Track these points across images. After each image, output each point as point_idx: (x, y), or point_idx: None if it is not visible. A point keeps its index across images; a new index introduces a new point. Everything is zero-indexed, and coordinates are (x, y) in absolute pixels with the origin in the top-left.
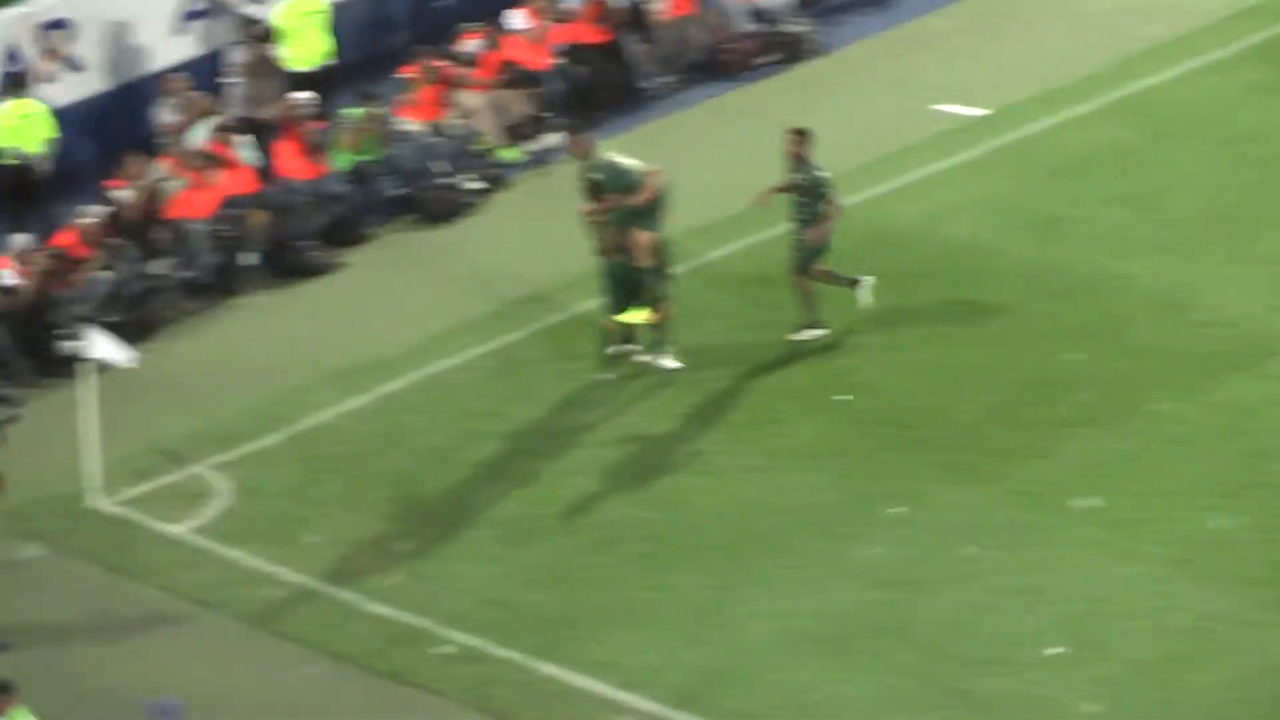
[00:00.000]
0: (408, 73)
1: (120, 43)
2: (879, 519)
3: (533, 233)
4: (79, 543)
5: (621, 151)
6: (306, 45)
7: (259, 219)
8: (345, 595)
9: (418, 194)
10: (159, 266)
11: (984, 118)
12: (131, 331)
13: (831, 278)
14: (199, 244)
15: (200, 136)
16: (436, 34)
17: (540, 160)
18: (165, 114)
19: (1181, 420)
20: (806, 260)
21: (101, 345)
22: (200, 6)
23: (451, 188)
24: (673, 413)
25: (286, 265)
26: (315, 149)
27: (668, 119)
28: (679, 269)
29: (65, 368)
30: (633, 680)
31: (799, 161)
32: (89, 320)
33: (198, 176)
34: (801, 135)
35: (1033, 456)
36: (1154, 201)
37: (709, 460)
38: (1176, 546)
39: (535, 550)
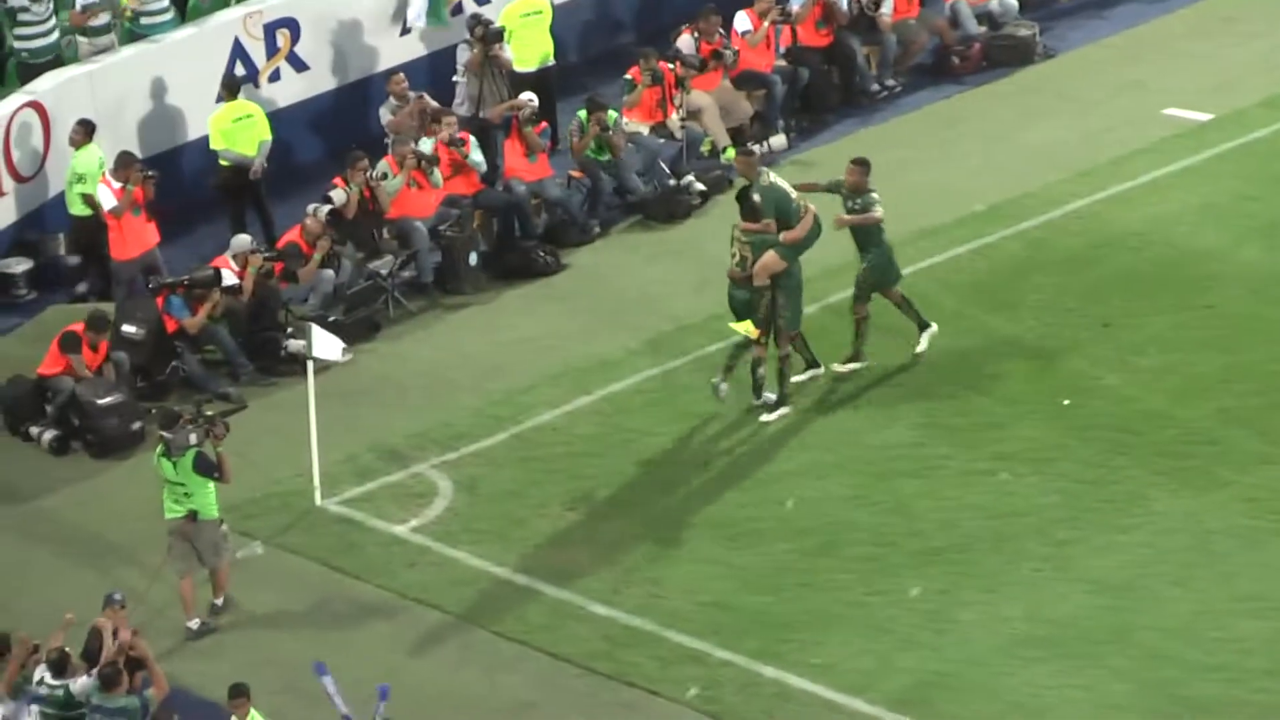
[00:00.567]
0: (631, 74)
1: (345, 42)
2: (1101, 524)
3: None
4: (300, 541)
5: (788, 178)
6: (529, 46)
7: (481, 219)
8: (565, 595)
9: (644, 195)
10: (381, 266)
11: (1210, 122)
12: (353, 331)
13: (907, 307)
14: (421, 243)
15: (422, 137)
16: (661, 35)
17: (764, 163)
18: (386, 114)
19: None
20: (865, 290)
21: (323, 344)
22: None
23: (677, 189)
24: (893, 416)
25: (508, 265)
26: (537, 150)
27: (891, 123)
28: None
29: (288, 367)
30: (852, 684)
31: (857, 192)
32: (311, 319)
33: (419, 176)
34: (860, 165)
35: (1261, 462)
36: None
37: (930, 464)
38: None
39: (755, 553)
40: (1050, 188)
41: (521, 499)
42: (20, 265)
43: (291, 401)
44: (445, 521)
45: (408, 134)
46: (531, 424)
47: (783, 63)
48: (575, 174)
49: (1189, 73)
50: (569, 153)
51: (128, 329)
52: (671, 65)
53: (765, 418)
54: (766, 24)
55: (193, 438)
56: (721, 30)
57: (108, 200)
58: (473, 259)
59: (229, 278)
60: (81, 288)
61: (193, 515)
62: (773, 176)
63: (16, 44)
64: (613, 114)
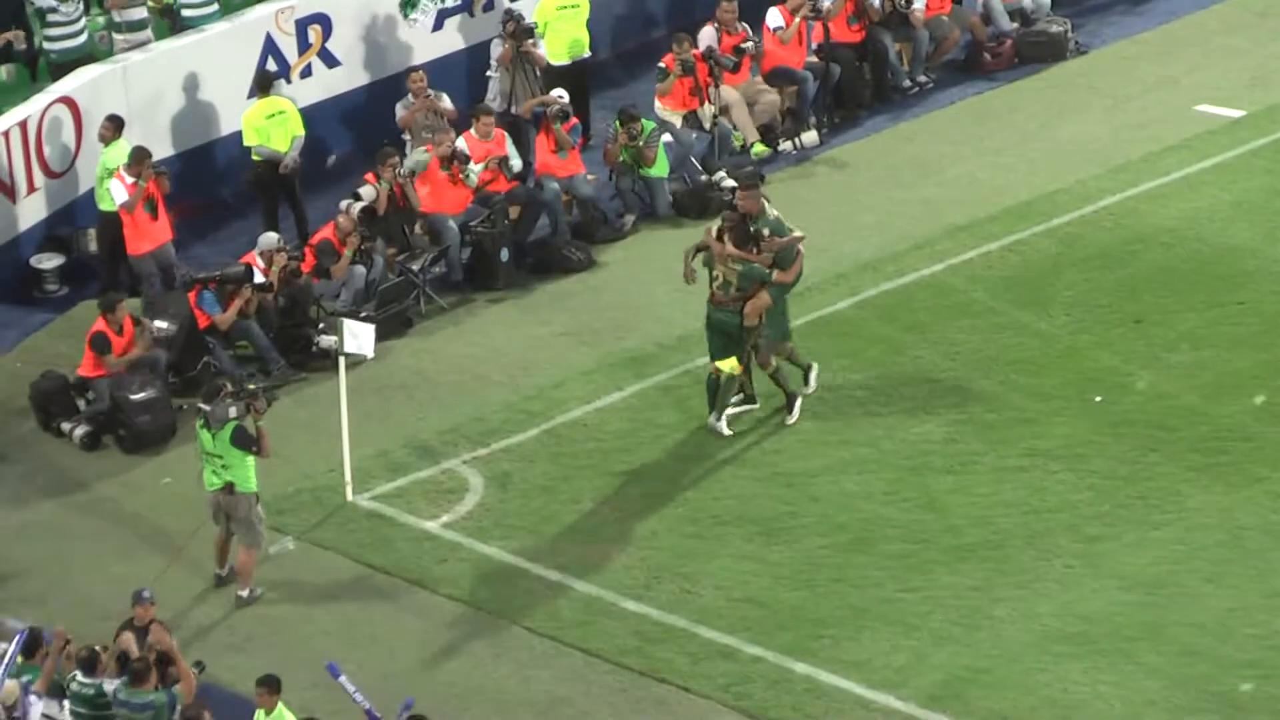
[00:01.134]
0: (665, 62)
1: (377, 37)
2: (1134, 520)
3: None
4: (331, 536)
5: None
6: (564, 39)
7: (512, 215)
8: (596, 591)
9: (676, 192)
10: (412, 262)
11: (1243, 118)
12: (385, 327)
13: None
14: (452, 239)
15: (439, 134)
16: (694, 30)
17: (797, 159)
18: (400, 110)
19: None
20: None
21: (355, 339)
22: (460, 1)
23: (709, 185)
24: (926, 412)
25: (540, 261)
26: (567, 147)
27: (923, 119)
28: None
29: (320, 362)
30: (884, 680)
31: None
32: (343, 315)
33: (451, 172)
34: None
35: None
36: None
37: (963, 460)
38: None
39: (788, 549)
40: (1082, 184)
41: (553, 495)
42: (51, 261)
43: (323, 397)
44: (477, 517)
45: (418, 131)
46: (563, 420)
47: (815, 59)
48: (591, 178)
49: (1222, 68)
50: (602, 150)
51: (159, 324)
52: (706, 61)
53: (788, 420)
54: (798, 20)
55: (232, 411)
56: (742, 22)
57: (119, 195)
58: (504, 255)
59: (259, 275)
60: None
61: (230, 487)
62: (776, 212)
63: (46, 44)
64: (648, 125)
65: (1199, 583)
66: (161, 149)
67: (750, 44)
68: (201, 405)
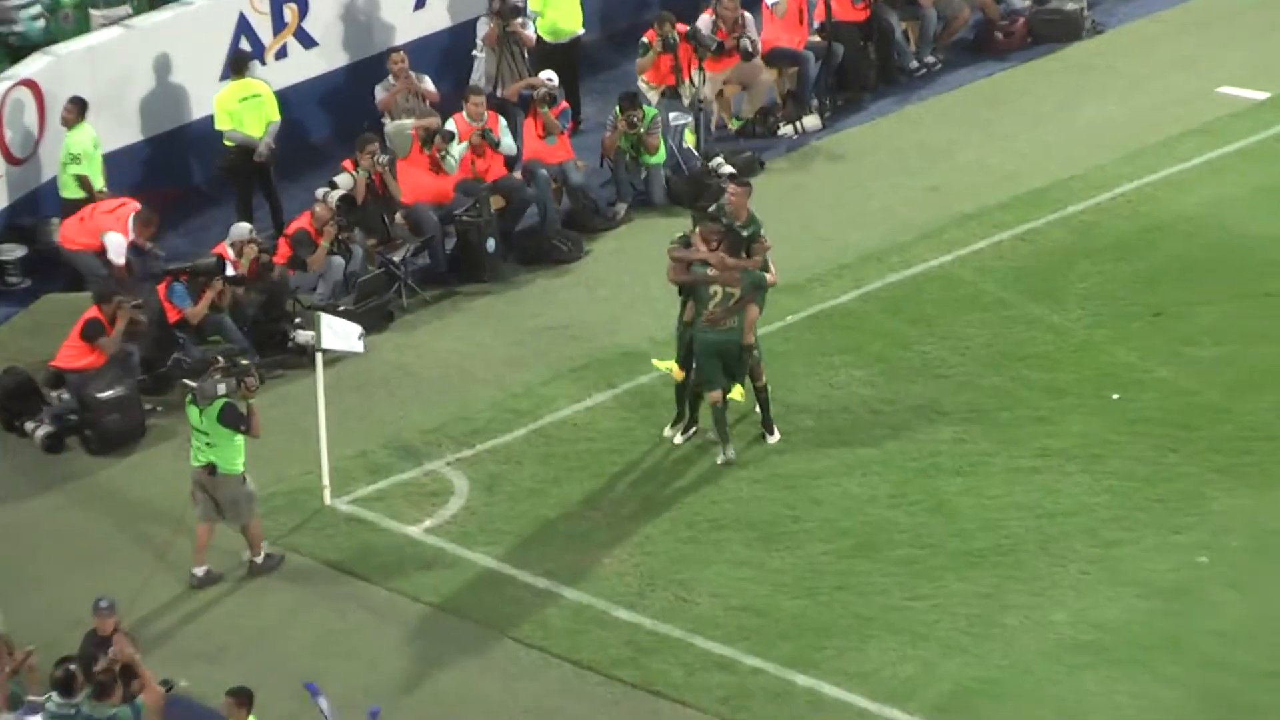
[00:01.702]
0: (647, 37)
1: (357, 16)
2: (1153, 524)
3: (789, 219)
4: (309, 542)
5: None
6: (555, 20)
7: (499, 204)
8: (587, 599)
9: (670, 179)
10: (393, 253)
11: (1267, 100)
12: (365, 321)
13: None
14: (434, 230)
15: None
16: (689, 12)
17: (798, 144)
18: (380, 92)
19: None
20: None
21: (334, 334)
22: None
23: (705, 172)
24: (934, 411)
25: (528, 252)
26: (555, 131)
27: (931, 102)
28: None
29: (297, 359)
30: (891, 692)
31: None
32: (321, 309)
33: (432, 154)
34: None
35: None
36: None
37: (972, 461)
38: None
39: (789, 555)
40: (1099, 170)
41: (541, 498)
42: (14, 252)
43: (300, 395)
44: (461, 522)
45: (399, 114)
46: (552, 419)
47: (816, 39)
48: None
49: (1245, 48)
50: (593, 135)
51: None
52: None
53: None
54: None
55: (221, 388)
56: (744, 14)
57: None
58: (490, 245)
59: (230, 268)
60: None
61: (211, 468)
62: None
63: (3, 27)
64: (649, 111)
65: (1222, 589)
66: (129, 133)
67: (746, 42)
68: (185, 381)
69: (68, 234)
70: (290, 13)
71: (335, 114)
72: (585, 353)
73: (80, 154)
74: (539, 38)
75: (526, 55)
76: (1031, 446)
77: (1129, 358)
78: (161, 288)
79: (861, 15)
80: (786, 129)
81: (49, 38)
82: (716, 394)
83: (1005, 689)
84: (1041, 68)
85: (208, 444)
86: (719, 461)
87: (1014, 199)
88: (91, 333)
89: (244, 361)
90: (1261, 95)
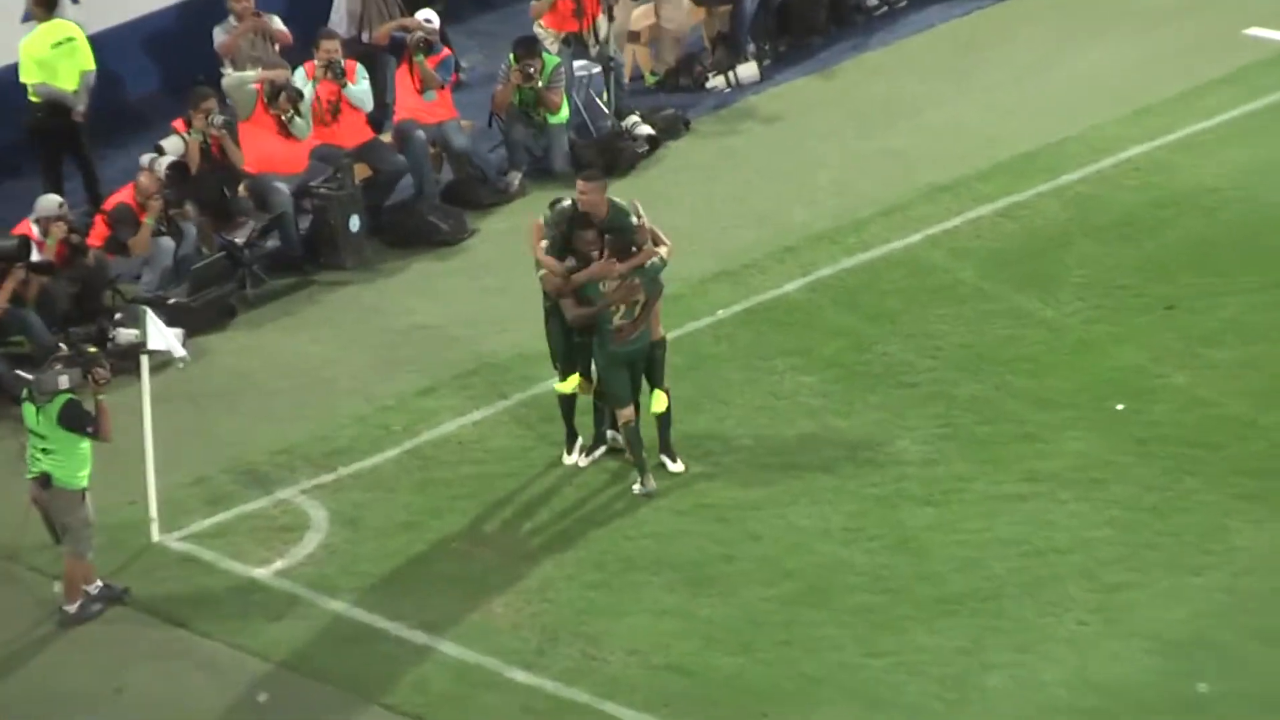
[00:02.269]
0: None
1: None
2: (1165, 564)
3: (720, 192)
4: (134, 585)
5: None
6: None
7: (364, 173)
8: (475, 658)
9: (575, 143)
10: (234, 233)
11: None
12: (201, 316)
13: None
14: (284, 206)
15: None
16: None
17: (730, 99)
18: (220, 34)
19: None
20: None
21: (162, 334)
22: None
23: (619, 134)
24: (899, 426)
25: (400, 232)
26: (433, 86)
27: (894, 47)
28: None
29: (118, 363)
30: None
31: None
32: (146, 303)
33: (281, 121)
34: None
35: None
36: None
37: (946, 487)
38: None
39: (720, 602)
40: (1099, 130)
41: (418, 533)
42: None
43: (122, 407)
44: (320, 562)
45: (243, 62)
46: (430, 437)
47: None
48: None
49: None
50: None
51: None
52: None
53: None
54: None
55: (63, 380)
56: None
57: None
58: (354, 224)
59: (35, 252)
60: None
61: (45, 479)
62: (619, 201)
63: None
64: (550, 60)
65: (1248, 641)
66: None
67: None
68: (22, 374)
69: None
70: None
71: (163, 63)
72: (471, 356)
73: None
74: None
75: None
76: (1017, 469)
77: (1136, 360)
78: None
79: None
80: (717, 80)
81: None
82: (629, 412)
83: None
84: (1029, 5)
85: (44, 450)
86: (636, 490)
87: (995, 167)
88: None
89: (92, 350)
90: None
